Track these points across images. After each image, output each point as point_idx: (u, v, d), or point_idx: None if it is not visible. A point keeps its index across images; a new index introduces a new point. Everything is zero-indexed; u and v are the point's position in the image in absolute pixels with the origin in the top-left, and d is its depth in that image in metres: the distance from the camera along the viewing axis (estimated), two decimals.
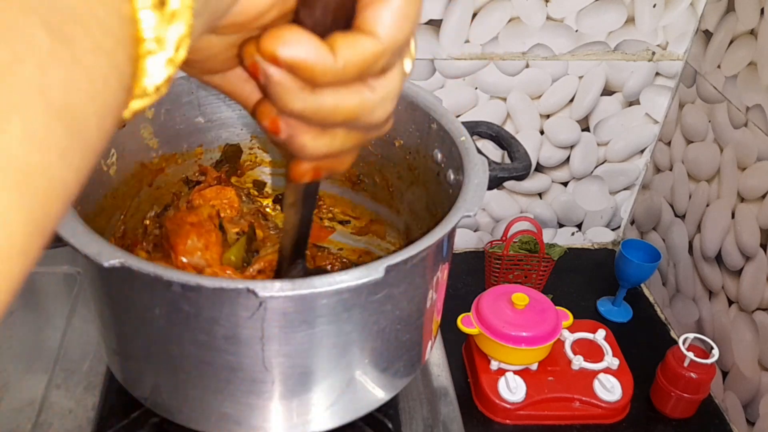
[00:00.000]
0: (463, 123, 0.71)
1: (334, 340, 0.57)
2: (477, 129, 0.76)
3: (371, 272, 0.50)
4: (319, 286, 0.49)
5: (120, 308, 0.59)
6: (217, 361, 0.56)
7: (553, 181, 1.13)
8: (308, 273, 0.54)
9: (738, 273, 0.91)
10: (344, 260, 0.86)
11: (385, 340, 0.61)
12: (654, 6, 0.97)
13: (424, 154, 0.76)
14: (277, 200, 0.87)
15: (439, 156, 0.73)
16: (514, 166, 0.70)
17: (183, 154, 0.80)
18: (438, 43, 0.95)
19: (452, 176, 0.70)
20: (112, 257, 0.48)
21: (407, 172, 0.79)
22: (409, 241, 0.82)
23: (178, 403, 0.62)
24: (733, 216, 0.92)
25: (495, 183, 0.66)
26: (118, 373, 0.67)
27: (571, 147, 1.09)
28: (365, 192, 0.87)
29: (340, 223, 0.89)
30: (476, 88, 1.00)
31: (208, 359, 0.56)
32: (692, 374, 0.87)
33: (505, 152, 0.75)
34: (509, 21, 0.95)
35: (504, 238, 1.07)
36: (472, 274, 1.12)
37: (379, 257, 0.85)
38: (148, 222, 0.78)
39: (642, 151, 1.12)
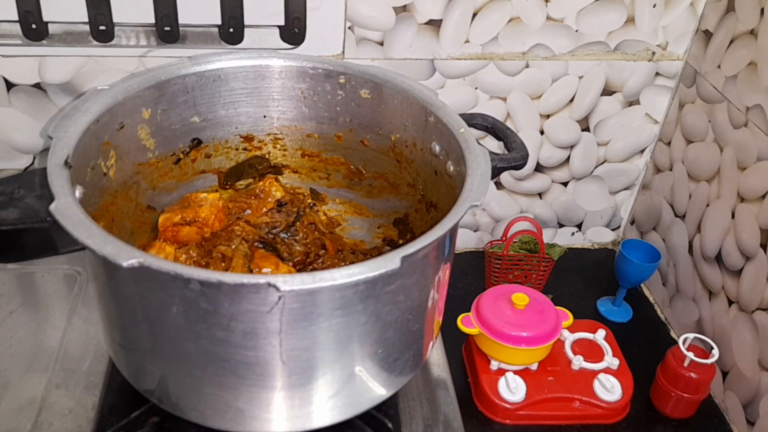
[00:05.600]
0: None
1: (348, 332, 0.57)
2: (472, 121, 0.76)
3: (388, 263, 0.51)
4: (338, 278, 0.50)
5: (132, 307, 0.59)
6: (234, 357, 0.56)
7: (553, 181, 1.13)
8: None
9: (738, 273, 0.91)
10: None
11: (396, 330, 0.61)
12: (654, 6, 0.97)
13: (422, 147, 0.76)
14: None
15: (438, 148, 0.73)
16: (512, 156, 0.70)
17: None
18: (438, 43, 0.95)
19: (452, 168, 0.70)
20: (130, 257, 0.48)
21: (406, 165, 0.80)
22: (412, 235, 0.82)
23: (192, 401, 0.62)
24: (733, 216, 0.92)
25: (495, 173, 0.66)
26: (125, 370, 0.67)
27: (571, 147, 1.09)
28: (363, 188, 0.87)
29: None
30: (476, 88, 1.00)
31: (225, 356, 0.56)
32: (692, 374, 0.87)
33: (502, 144, 0.75)
34: (509, 21, 0.95)
35: (504, 238, 1.07)
36: (472, 274, 1.12)
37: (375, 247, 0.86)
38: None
39: (642, 151, 1.12)
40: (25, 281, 0.89)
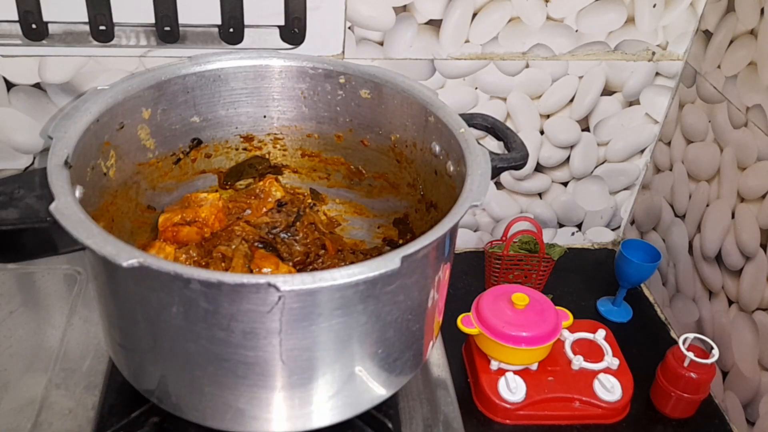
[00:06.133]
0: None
1: (348, 332, 0.57)
2: (472, 121, 0.76)
3: (388, 263, 0.51)
4: (338, 278, 0.50)
5: (132, 307, 0.59)
6: (234, 357, 0.56)
7: (553, 181, 1.12)
8: None
9: (738, 273, 0.91)
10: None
11: (396, 330, 0.61)
12: (654, 6, 0.97)
13: (422, 147, 0.76)
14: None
15: (437, 148, 0.73)
16: (512, 156, 0.71)
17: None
18: (438, 43, 0.95)
19: (452, 168, 0.70)
20: (130, 257, 0.48)
21: (406, 165, 0.80)
22: (412, 235, 0.82)
23: (192, 401, 0.62)
24: (733, 216, 0.92)
25: (495, 173, 0.67)
26: (125, 370, 0.67)
27: (571, 147, 1.09)
28: (363, 188, 0.87)
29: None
30: (476, 88, 1.00)
31: (225, 356, 0.56)
32: (692, 374, 0.87)
33: (502, 144, 0.75)
34: (509, 21, 0.95)
35: (504, 238, 1.07)
36: (472, 274, 1.12)
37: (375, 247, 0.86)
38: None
39: (642, 151, 1.12)
40: (25, 281, 0.89)
